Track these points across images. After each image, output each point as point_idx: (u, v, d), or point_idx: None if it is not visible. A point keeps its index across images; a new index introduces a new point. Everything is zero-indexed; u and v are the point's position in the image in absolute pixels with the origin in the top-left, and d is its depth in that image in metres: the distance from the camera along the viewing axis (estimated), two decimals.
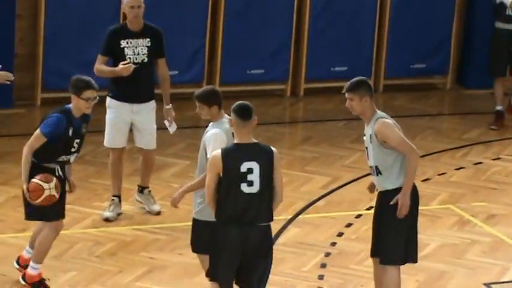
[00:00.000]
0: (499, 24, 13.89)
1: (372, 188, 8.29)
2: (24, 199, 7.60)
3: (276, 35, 14.52)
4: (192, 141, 12.02)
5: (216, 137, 7.69)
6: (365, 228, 9.65)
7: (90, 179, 10.97)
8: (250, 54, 14.32)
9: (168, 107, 10.09)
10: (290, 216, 10.55)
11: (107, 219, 9.86)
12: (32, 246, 8.06)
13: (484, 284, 9.23)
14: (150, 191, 10.35)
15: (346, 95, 7.97)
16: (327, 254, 9.39)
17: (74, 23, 13.80)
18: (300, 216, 10.70)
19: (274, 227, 8.38)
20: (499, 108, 13.82)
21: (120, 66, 9.61)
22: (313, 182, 11.85)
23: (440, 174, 12.13)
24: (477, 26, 15.37)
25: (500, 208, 11.10)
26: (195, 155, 8.06)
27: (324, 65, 14.70)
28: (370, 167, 8.32)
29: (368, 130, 8.18)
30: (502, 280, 9.54)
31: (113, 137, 10.02)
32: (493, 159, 12.92)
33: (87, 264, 9.12)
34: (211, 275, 7.14)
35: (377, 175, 8.14)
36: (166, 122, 10.59)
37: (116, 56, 9.76)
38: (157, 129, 10.61)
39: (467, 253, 9.89)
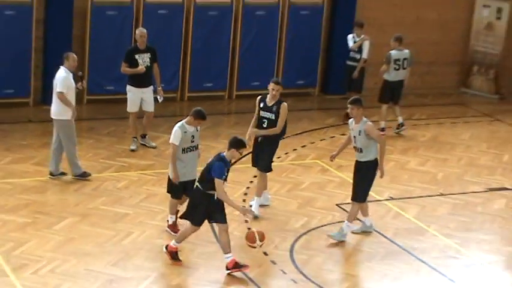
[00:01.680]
0: (347, 61, 18.17)
1: (332, 157, 12.67)
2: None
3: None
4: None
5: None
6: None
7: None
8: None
9: (159, 88, 15.39)
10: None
11: (132, 150, 15.26)
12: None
13: (336, 205, 13.74)
14: (148, 136, 15.73)
15: (349, 105, 12.10)
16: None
17: (108, 45, 17.46)
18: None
19: None
20: (382, 125, 16.96)
21: (140, 67, 14.85)
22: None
23: (311, 143, 16.69)
24: (335, 57, 19.22)
25: (345, 163, 14.59)
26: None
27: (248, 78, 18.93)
28: (355, 147, 12.19)
29: (358, 127, 12.00)
30: (347, 201, 13.26)
31: (131, 106, 15.26)
32: (341, 135, 16.87)
33: None
34: None
35: (359, 152, 12.07)
36: (158, 97, 15.67)
37: (132, 63, 15.01)
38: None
39: (327, 187, 14.50)
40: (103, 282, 10.54)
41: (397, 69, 17.02)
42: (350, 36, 17.83)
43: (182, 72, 18.66)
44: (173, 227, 12.16)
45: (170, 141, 11.65)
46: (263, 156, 13.17)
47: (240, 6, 18.35)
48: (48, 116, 14.51)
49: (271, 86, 13.18)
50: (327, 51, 19.45)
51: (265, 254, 11.55)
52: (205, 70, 18.58)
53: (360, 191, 12.32)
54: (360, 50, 17.75)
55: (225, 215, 11.01)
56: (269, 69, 18.73)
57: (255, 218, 12.34)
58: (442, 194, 14.33)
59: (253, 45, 18.68)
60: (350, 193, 12.95)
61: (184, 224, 11.62)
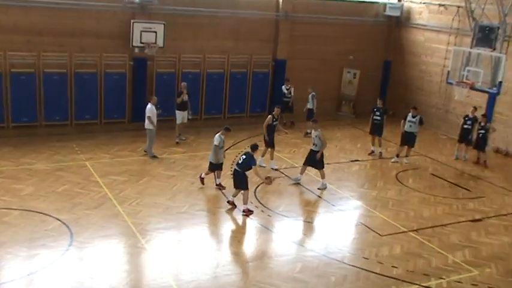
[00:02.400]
0: (283, 98, 18.63)
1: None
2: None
3: None
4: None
5: None
6: None
7: None
8: None
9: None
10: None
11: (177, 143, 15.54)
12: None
13: (277, 169, 14.65)
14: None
15: (312, 124, 13.42)
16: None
17: None
18: None
19: None
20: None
21: None
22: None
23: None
24: (275, 96, 19.74)
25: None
26: None
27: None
28: (314, 144, 13.29)
29: (315, 133, 13.27)
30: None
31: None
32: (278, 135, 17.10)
33: None
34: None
35: (315, 146, 13.24)
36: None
37: None
38: None
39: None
40: (163, 209, 11.49)
41: (309, 102, 18.11)
42: (283, 86, 19.05)
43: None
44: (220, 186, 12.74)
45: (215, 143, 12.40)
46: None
47: (229, 73, 19.25)
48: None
49: (276, 110, 14.76)
50: (271, 94, 20.26)
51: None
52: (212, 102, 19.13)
53: (320, 165, 13.53)
54: (289, 93, 18.93)
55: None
56: (243, 102, 19.88)
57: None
58: (328, 163, 14.61)
59: (236, 89, 19.63)
60: (283, 163, 14.78)
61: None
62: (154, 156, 14.77)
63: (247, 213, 11.39)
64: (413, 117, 15.78)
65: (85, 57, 16.88)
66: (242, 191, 11.44)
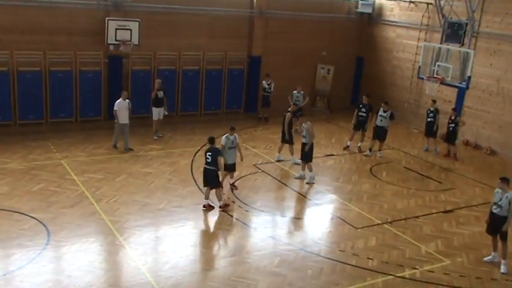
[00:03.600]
0: (264, 93, 18.94)
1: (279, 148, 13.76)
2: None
3: None
4: None
5: None
6: None
7: None
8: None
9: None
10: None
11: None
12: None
13: (254, 165, 14.62)
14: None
15: (299, 118, 13.92)
16: None
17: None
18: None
19: None
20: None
21: None
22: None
23: (244, 134, 16.97)
24: (252, 93, 20.18)
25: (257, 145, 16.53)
26: None
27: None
28: (303, 136, 13.50)
29: (305, 126, 13.46)
30: (259, 162, 15.04)
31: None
32: (254, 131, 17.72)
33: None
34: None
35: (304, 139, 13.43)
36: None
37: None
38: None
39: (248, 156, 15.03)
40: (140, 206, 11.48)
41: (298, 101, 17.90)
42: (264, 82, 19.18)
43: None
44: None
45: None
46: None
47: (204, 70, 19.14)
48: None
49: (292, 107, 15.03)
50: (246, 90, 20.32)
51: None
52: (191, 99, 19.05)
53: (309, 155, 13.69)
54: (270, 88, 19.08)
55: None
56: (219, 98, 19.81)
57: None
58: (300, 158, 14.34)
59: (212, 87, 19.52)
60: (260, 159, 14.81)
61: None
62: (114, 146, 14.95)
63: (208, 208, 11.33)
64: (384, 112, 15.93)
65: (59, 55, 16.67)
66: (215, 189, 11.34)
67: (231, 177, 12.63)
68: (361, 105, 16.81)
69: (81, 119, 17.52)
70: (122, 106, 14.53)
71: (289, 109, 14.94)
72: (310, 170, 13.58)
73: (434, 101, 17.11)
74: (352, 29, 21.79)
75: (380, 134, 16.12)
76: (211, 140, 11.24)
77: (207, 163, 11.23)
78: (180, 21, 18.14)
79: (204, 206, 11.41)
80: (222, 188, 11.52)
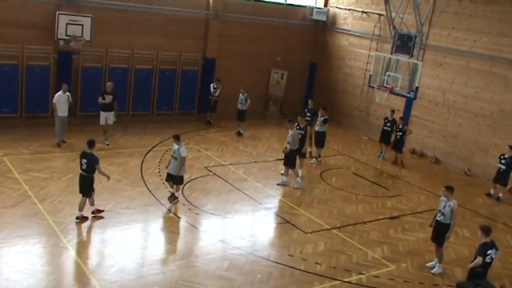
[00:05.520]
0: (210, 97, 18.61)
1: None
2: None
3: None
4: None
5: None
6: None
7: None
8: None
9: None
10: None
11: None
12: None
13: (205, 167, 15.47)
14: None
15: (287, 123, 13.50)
16: None
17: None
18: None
19: None
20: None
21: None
22: None
23: (192, 137, 16.91)
24: (204, 95, 19.56)
25: (209, 147, 16.51)
26: None
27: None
28: (288, 142, 13.42)
29: (290, 132, 13.48)
30: (210, 165, 14.92)
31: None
32: (206, 133, 17.77)
33: None
34: None
35: (288, 145, 13.32)
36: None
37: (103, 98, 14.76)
38: None
39: (200, 158, 15.22)
40: (86, 207, 10.78)
41: (241, 103, 18.02)
42: (212, 85, 18.90)
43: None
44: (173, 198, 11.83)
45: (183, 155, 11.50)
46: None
47: (158, 70, 18.96)
48: None
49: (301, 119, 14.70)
50: (200, 92, 20.10)
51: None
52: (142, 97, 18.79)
53: (290, 163, 13.78)
54: (215, 92, 18.79)
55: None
56: (172, 99, 19.57)
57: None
58: (255, 162, 15.54)
59: (165, 87, 19.31)
60: (211, 162, 14.79)
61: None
62: (60, 143, 14.72)
63: (96, 213, 10.73)
64: (321, 117, 15.97)
65: (5, 48, 16.21)
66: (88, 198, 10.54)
67: (176, 190, 11.94)
68: (306, 110, 17.01)
69: (27, 115, 17.01)
70: (61, 99, 14.34)
71: (299, 126, 14.50)
72: (296, 175, 13.84)
73: (393, 111, 17.41)
74: (306, 36, 21.99)
75: (317, 140, 16.20)
76: (90, 144, 10.50)
77: (83, 170, 10.51)
78: (134, 19, 17.91)
79: (76, 218, 10.66)
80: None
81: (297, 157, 13.95)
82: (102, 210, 10.86)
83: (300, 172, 14.17)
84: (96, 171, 10.52)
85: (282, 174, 14.11)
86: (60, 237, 9.95)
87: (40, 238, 9.77)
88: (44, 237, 9.82)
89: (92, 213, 10.70)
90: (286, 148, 13.69)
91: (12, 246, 9.29)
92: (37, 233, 9.94)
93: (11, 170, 12.68)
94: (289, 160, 13.71)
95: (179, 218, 11.38)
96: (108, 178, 10.63)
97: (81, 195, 10.59)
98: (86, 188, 10.47)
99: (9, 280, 8.30)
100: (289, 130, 13.62)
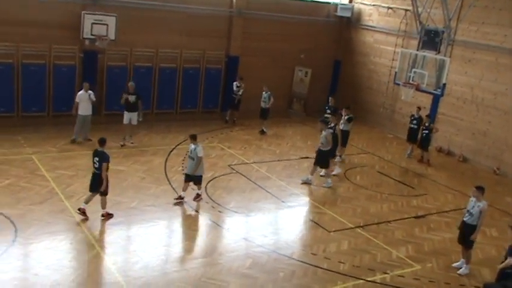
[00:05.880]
0: (233, 95, 18.67)
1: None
2: None
3: None
4: None
5: None
6: None
7: None
8: None
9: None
10: None
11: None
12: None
13: (228, 165, 14.44)
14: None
15: (320, 124, 13.32)
16: None
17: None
18: None
19: None
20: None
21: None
22: None
23: (215, 135, 17.10)
24: (227, 93, 19.41)
25: (231, 144, 17.30)
26: None
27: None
28: (321, 143, 13.34)
29: (324, 133, 13.25)
30: (234, 163, 14.70)
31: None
32: (230, 132, 17.80)
33: None
34: None
35: (322, 146, 13.32)
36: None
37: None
38: None
39: (223, 156, 15.08)
40: (111, 204, 11.00)
41: (265, 102, 18.24)
42: (235, 83, 18.81)
43: None
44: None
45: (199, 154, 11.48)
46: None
47: (181, 69, 19.01)
48: None
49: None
50: (223, 90, 20.02)
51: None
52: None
53: (324, 164, 13.80)
54: (238, 90, 18.73)
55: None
56: (196, 97, 19.65)
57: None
58: (279, 160, 15.59)
59: (189, 85, 19.35)
60: (235, 160, 14.84)
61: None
62: (73, 140, 14.89)
63: (107, 217, 10.66)
64: (345, 116, 15.94)
65: (33, 47, 16.31)
66: (101, 196, 10.59)
67: (198, 188, 11.96)
68: (326, 107, 17.08)
69: (54, 114, 17.22)
70: (83, 98, 14.51)
71: (332, 125, 14.42)
72: (328, 176, 13.92)
73: (419, 108, 17.22)
74: (330, 33, 21.82)
75: (341, 138, 15.64)
76: (101, 142, 10.52)
77: (96, 168, 10.55)
78: (158, 18, 17.90)
79: (79, 210, 10.75)
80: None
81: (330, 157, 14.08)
82: (111, 215, 10.80)
83: (336, 170, 14.35)
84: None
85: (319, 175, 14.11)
86: (86, 234, 10.13)
87: (67, 234, 9.94)
88: (70, 233, 9.99)
89: (102, 215, 10.69)
90: (319, 148, 13.75)
91: (40, 242, 9.49)
92: (64, 229, 10.10)
93: (39, 168, 12.89)
94: (323, 160, 13.73)
95: (202, 215, 11.58)
96: (104, 186, 10.42)
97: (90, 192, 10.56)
98: (98, 186, 10.42)
99: (38, 275, 8.47)
100: (322, 131, 13.52)
